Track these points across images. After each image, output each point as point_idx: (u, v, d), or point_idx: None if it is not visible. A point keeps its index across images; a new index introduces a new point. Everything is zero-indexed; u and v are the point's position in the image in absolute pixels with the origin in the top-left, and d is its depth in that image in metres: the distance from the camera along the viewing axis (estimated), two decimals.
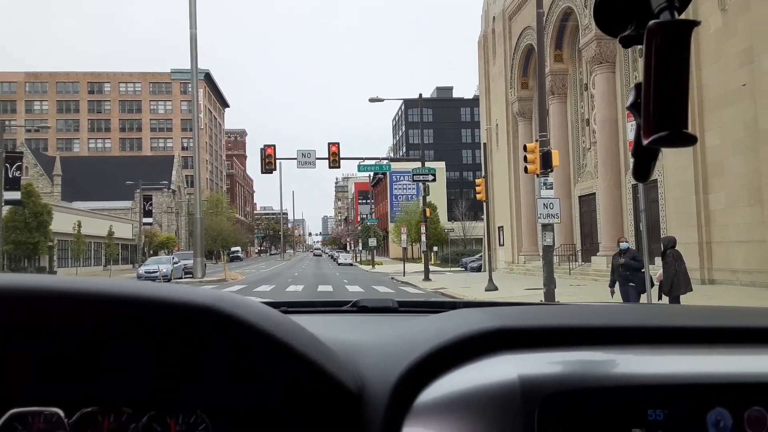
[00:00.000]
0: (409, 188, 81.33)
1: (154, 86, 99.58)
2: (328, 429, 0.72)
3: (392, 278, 32.50)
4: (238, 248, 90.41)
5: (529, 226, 30.08)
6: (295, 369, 0.70)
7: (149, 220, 52.84)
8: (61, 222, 43.20)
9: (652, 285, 9.23)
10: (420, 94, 27.24)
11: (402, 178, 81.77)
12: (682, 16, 0.54)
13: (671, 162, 17.79)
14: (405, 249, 34.60)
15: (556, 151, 12.87)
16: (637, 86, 0.56)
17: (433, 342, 0.78)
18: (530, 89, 30.66)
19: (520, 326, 0.81)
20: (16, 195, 30.46)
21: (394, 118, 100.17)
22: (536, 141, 13.16)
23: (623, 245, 9.47)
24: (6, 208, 30.75)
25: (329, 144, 26.06)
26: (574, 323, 0.84)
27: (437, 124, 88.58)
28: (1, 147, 29.89)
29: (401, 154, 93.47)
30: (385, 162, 28.57)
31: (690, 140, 0.53)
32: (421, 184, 26.80)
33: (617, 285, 9.53)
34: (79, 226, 41.94)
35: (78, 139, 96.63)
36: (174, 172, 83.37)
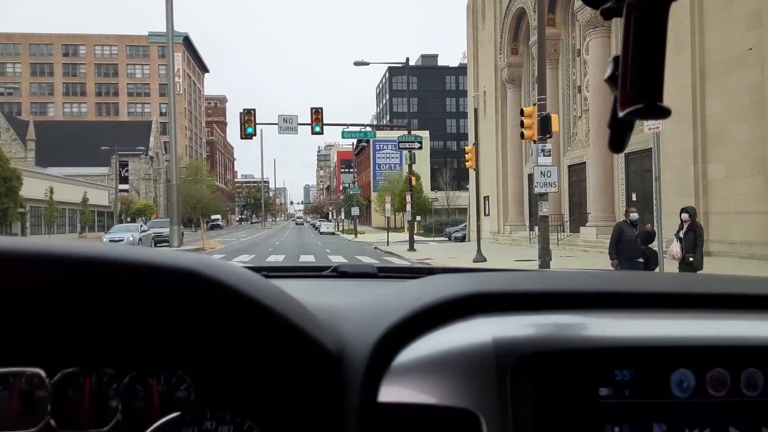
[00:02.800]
0: (393, 157, 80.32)
1: (131, 49, 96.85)
2: (309, 390, 0.74)
3: (375, 248, 31.85)
4: (218, 216, 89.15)
5: (516, 197, 29.47)
6: (277, 332, 0.71)
7: (125, 186, 51.40)
8: (34, 188, 41.70)
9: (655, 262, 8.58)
10: (407, 59, 26.15)
11: (386, 147, 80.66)
12: None
13: (669, 130, 17.12)
14: (388, 218, 33.78)
15: (555, 115, 12.08)
16: (615, 59, 0.57)
17: (411, 306, 0.79)
18: (520, 55, 29.71)
19: (495, 291, 0.83)
20: None
21: (378, 86, 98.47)
22: (534, 105, 12.35)
23: (634, 216, 8.73)
24: None
25: (312, 109, 24.96)
26: (547, 288, 0.86)
27: (422, 93, 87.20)
28: None
29: (385, 122, 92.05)
30: (369, 129, 27.57)
31: (664, 113, 0.55)
32: (406, 152, 25.90)
33: (616, 256, 8.80)
34: (51, 192, 40.44)
35: (53, 103, 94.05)
36: (152, 138, 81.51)
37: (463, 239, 37.10)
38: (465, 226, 42.71)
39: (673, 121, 16.44)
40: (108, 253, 0.67)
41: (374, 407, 0.71)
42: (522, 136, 12.20)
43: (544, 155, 11.82)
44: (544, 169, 11.75)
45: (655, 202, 8.64)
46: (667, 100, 0.51)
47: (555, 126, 11.53)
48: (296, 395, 0.73)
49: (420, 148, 25.28)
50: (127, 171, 51.82)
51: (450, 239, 40.41)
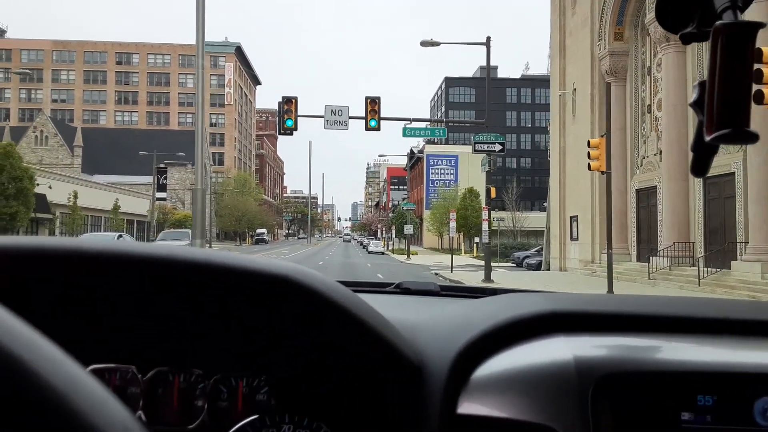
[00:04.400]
0: (447, 173, 74.86)
1: (183, 59, 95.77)
2: (389, 399, 0.75)
3: (436, 274, 26.43)
4: (264, 231, 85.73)
5: (618, 217, 23.38)
6: (363, 340, 0.72)
7: (163, 195, 47.59)
8: (66, 193, 38.29)
9: None
10: (488, 38, 20.75)
11: (440, 162, 75.32)
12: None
13: None
14: (452, 239, 28.29)
15: None
16: (701, 84, 0.57)
17: (491, 321, 0.81)
18: (626, 41, 23.86)
19: (576, 310, 0.84)
20: None
21: (433, 98, 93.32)
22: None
23: None
24: None
25: (367, 99, 19.85)
26: (628, 310, 0.86)
27: (480, 106, 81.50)
28: None
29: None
30: (434, 125, 22.16)
31: (752, 138, 0.55)
32: (483, 157, 20.39)
33: None
34: (75, 197, 36.69)
35: (105, 111, 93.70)
36: None
37: (538, 267, 31.13)
38: (538, 250, 36.65)
39: None
40: (209, 257, 0.67)
41: (453, 418, 0.72)
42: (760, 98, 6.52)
43: None
44: None
45: None
46: None
47: None
48: (376, 403, 0.74)
49: (502, 151, 19.75)
50: (165, 179, 48.03)
51: (521, 266, 34.48)
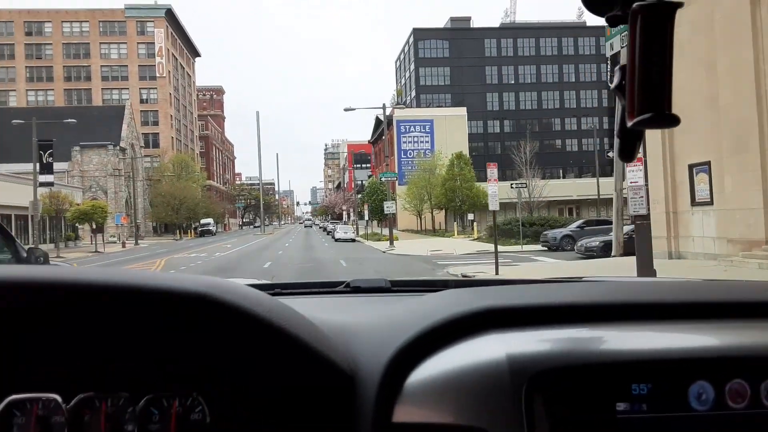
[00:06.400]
0: (422, 141, 63.31)
1: (104, 26, 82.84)
2: (323, 411, 0.73)
3: (464, 276, 14.71)
4: (210, 221, 73.66)
5: None
6: (289, 352, 0.72)
7: (49, 178, 34.45)
8: None
9: None
10: None
11: (413, 128, 63.59)
12: None
13: None
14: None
15: None
16: (622, 68, 0.56)
17: (423, 324, 0.79)
18: None
19: (507, 306, 0.83)
20: None
21: (399, 57, 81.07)
22: None
23: None
24: None
25: None
26: (560, 301, 0.85)
27: (455, 61, 70.01)
28: None
29: (410, 99, 74.73)
30: None
31: (674, 121, 0.54)
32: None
33: None
34: None
35: (14, 90, 79.96)
36: (125, 126, 66.50)
37: (604, 252, 19.71)
38: (582, 226, 25.45)
39: None
40: (116, 278, 0.66)
41: (388, 427, 0.71)
42: None
43: None
44: None
45: None
46: None
47: None
48: (309, 415, 0.73)
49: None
50: (51, 156, 34.89)
51: (557, 250, 23.32)
